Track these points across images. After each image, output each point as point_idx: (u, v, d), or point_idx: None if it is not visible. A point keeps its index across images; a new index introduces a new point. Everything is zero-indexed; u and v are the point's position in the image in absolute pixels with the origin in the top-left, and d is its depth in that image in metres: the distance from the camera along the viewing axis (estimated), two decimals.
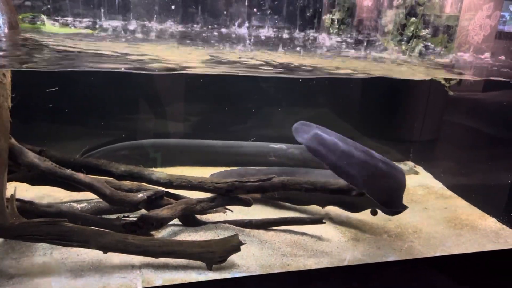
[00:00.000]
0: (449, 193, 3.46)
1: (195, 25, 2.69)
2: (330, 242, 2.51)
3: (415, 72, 2.40)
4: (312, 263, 2.27)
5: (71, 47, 2.14)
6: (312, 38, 2.86)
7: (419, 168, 3.90)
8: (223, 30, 2.63)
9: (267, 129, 3.94)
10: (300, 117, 4.03)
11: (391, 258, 2.40)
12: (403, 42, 2.54)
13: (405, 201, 3.18)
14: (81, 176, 2.20)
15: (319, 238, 2.54)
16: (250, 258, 2.26)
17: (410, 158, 4.07)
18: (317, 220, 2.53)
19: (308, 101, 4.02)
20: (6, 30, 2.24)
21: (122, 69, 1.87)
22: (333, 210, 2.95)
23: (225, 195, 2.44)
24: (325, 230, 2.62)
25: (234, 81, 3.55)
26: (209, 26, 2.61)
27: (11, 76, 2.16)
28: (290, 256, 2.31)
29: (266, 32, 2.86)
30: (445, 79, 2.87)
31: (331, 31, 3.19)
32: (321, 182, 2.33)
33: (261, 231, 2.55)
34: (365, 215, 2.90)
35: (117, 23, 2.51)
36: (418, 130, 4.05)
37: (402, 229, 2.73)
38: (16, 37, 2.28)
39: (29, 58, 2.06)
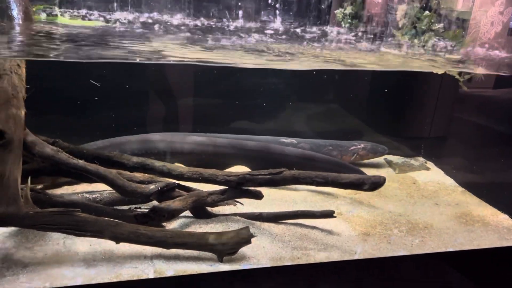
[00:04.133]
0: (460, 189, 3.43)
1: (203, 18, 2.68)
2: (340, 236, 2.50)
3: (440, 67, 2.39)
4: (322, 257, 2.27)
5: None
6: (330, 32, 2.85)
7: (430, 164, 3.87)
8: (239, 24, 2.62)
9: (278, 124, 3.94)
10: (310, 112, 4.05)
11: (402, 253, 2.39)
12: (417, 36, 2.51)
13: (416, 196, 3.19)
14: (93, 167, 2.22)
15: (329, 232, 2.53)
16: (261, 251, 2.26)
17: (421, 154, 4.05)
18: (328, 214, 2.53)
19: (318, 96, 4.01)
20: (21, 21, 2.26)
21: (138, 60, 1.88)
22: (344, 204, 2.95)
23: (236, 187, 2.45)
24: (336, 224, 2.61)
25: (245, 75, 3.55)
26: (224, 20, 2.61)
27: (25, 67, 2.19)
28: (301, 249, 2.31)
29: (278, 26, 2.85)
30: (459, 74, 2.84)
31: (343, 25, 3.18)
32: (332, 176, 2.33)
33: (272, 224, 2.55)
34: (376, 210, 2.90)
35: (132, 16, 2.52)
36: (429, 126, 4.02)
37: (413, 225, 2.72)
38: (30, 28, 2.30)
39: (43, 49, 2.08)
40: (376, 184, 2.27)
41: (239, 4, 2.62)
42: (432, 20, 2.45)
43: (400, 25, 2.54)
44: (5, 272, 1.92)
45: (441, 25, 2.47)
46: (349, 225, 2.64)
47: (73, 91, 3.18)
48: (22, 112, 2.07)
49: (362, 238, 2.50)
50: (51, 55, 1.97)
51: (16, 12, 2.25)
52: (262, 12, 2.83)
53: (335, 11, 3.20)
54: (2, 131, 1.90)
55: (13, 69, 2.09)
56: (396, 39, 2.65)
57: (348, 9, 3.14)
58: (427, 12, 2.49)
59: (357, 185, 2.30)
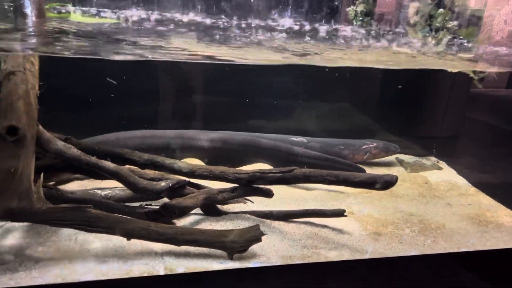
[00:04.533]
0: (473, 189, 3.39)
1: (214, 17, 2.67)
2: (351, 235, 2.48)
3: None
4: (333, 256, 2.25)
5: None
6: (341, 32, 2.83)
7: (442, 164, 3.83)
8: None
9: (288, 122, 3.93)
10: (321, 111, 4.03)
11: (413, 253, 2.37)
12: (430, 34, 2.48)
13: (428, 196, 3.16)
14: (105, 163, 2.23)
15: (340, 231, 2.52)
16: (271, 249, 2.26)
17: (433, 154, 4.00)
18: (339, 213, 2.51)
19: (328, 94, 3.99)
20: (34, 19, 2.28)
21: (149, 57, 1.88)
22: (355, 203, 2.93)
23: (246, 185, 2.44)
24: (346, 223, 2.59)
25: (255, 73, 3.54)
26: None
27: (38, 64, 2.21)
28: (311, 248, 2.30)
29: (290, 24, 2.83)
30: (474, 72, 2.80)
31: (355, 23, 3.15)
32: (344, 175, 2.31)
33: (282, 223, 2.54)
34: (387, 209, 2.87)
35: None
36: (441, 125, 3.98)
37: (425, 225, 2.69)
38: (43, 25, 2.32)
39: (56, 46, 2.09)
40: (388, 183, 2.24)
41: (251, 1, 2.61)
42: (447, 18, 2.42)
43: (412, 23, 2.51)
44: (18, 267, 1.94)
45: (456, 22, 2.44)
46: (360, 225, 2.62)
47: (84, 88, 3.20)
48: (35, 108, 2.08)
49: (373, 238, 2.48)
50: (65, 52, 1.98)
51: (29, 9, 2.27)
52: (273, 11, 2.81)
53: (347, 9, 3.17)
54: (16, 127, 1.91)
55: (27, 66, 2.10)
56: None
57: (360, 7, 3.11)
58: (441, 9, 2.45)
59: (369, 184, 2.28)
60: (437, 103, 3.95)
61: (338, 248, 2.33)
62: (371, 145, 3.66)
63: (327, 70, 2.99)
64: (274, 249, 2.26)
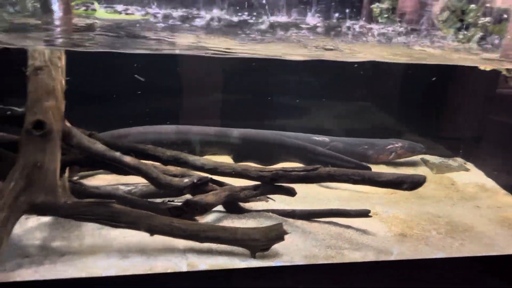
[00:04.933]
0: (502, 191, 3.28)
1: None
2: (376, 236, 2.43)
3: None
4: (357, 256, 2.20)
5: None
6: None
7: (469, 165, 3.73)
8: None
9: (310, 121, 3.88)
10: (343, 110, 3.97)
11: (440, 255, 2.30)
12: (461, 31, 2.40)
13: (455, 198, 3.07)
14: (129, 159, 2.24)
15: (364, 231, 2.47)
16: (294, 248, 2.22)
17: (459, 155, 3.90)
18: (363, 213, 2.46)
19: (351, 93, 3.93)
20: (61, 15, 2.30)
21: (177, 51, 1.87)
22: (380, 203, 2.87)
23: (269, 183, 2.41)
24: (371, 224, 2.54)
25: (277, 72, 3.51)
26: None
27: (65, 59, 2.23)
28: (335, 248, 2.26)
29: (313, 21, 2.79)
30: (507, 70, 2.70)
31: (380, 20, 3.08)
32: (369, 174, 2.26)
33: (305, 222, 2.50)
34: (412, 211, 2.80)
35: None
36: (468, 125, 3.87)
37: (453, 227, 2.61)
38: (69, 21, 2.34)
39: (81, 41, 2.11)
40: (416, 183, 2.18)
41: None
42: (478, 14, 2.34)
43: (444, 18, 2.44)
44: (43, 260, 1.96)
45: (488, 18, 2.35)
46: (385, 225, 2.56)
47: (107, 84, 3.22)
48: (62, 103, 2.10)
49: (398, 239, 2.42)
50: (92, 47, 1.99)
51: (56, 5, 2.29)
52: (293, 10, 2.77)
53: (372, 6, 3.11)
54: (42, 122, 1.93)
55: (54, 61, 2.12)
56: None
57: (386, 3, 3.05)
58: (473, 5, 2.37)
59: (396, 184, 2.22)
60: (464, 102, 3.85)
61: (363, 249, 2.28)
62: (396, 145, 3.58)
63: (355, 65, 2.93)
64: (297, 248, 2.23)
